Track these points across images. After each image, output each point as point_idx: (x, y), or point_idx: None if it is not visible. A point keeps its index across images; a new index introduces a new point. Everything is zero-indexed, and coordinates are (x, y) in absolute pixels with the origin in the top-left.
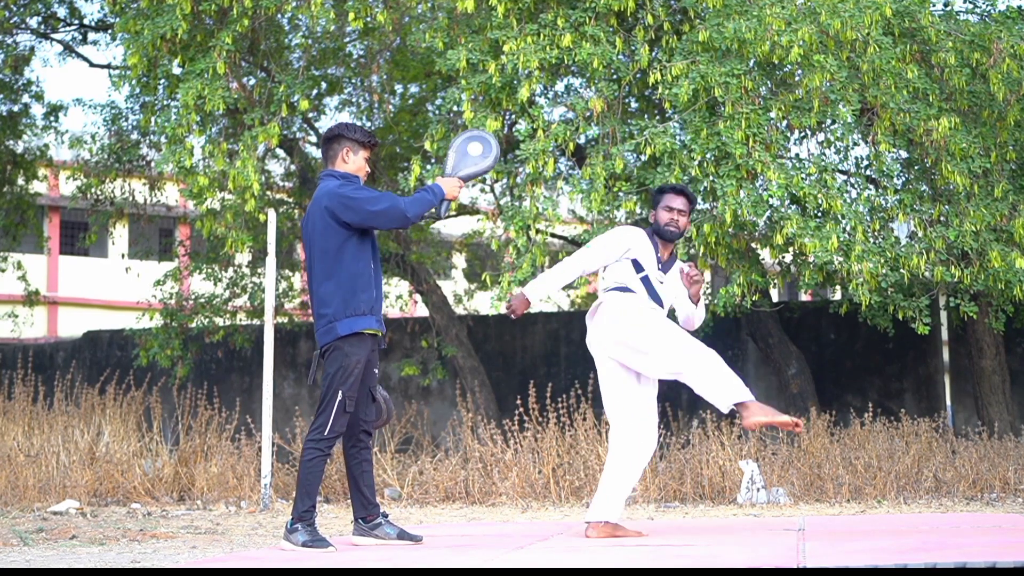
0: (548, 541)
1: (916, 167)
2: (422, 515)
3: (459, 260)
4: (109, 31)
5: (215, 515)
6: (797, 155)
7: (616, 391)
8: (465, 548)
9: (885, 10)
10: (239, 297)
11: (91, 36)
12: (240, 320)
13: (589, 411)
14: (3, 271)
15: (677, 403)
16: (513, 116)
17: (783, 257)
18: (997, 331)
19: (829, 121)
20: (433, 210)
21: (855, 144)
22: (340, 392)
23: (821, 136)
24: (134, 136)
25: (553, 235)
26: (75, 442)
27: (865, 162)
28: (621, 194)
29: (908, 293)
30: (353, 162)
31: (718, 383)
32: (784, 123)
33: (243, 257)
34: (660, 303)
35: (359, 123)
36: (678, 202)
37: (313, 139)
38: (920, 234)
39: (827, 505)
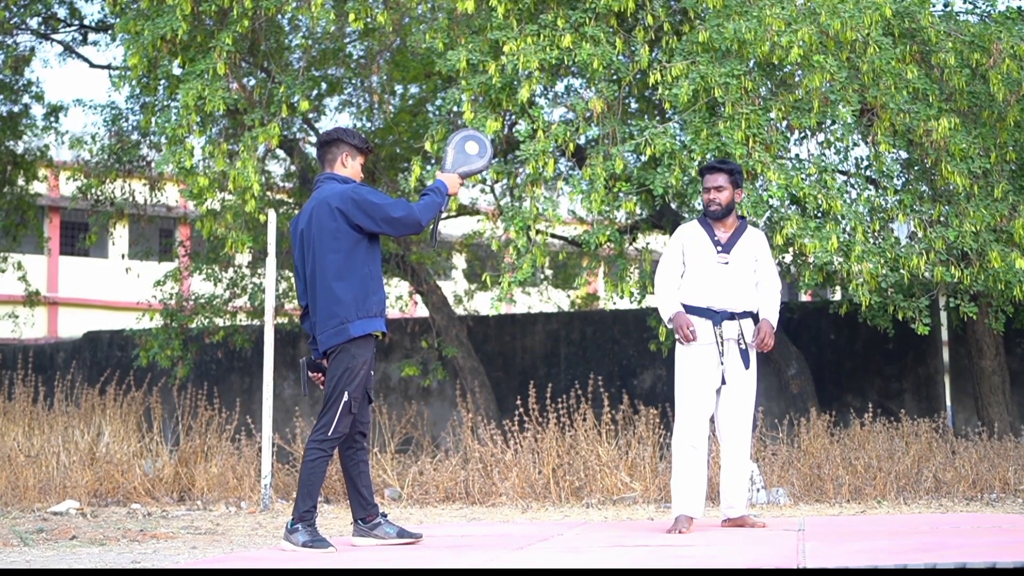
0: (548, 541)
1: (916, 167)
2: (422, 515)
3: (459, 260)
4: (109, 32)
5: (215, 515)
6: (797, 155)
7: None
8: (465, 548)
9: (885, 11)
10: (239, 297)
11: (91, 37)
12: (240, 320)
13: (589, 411)
14: (3, 271)
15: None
16: (513, 117)
17: (783, 257)
18: (997, 331)
19: (829, 122)
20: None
21: (855, 145)
22: (346, 393)
23: (821, 137)
24: (134, 137)
25: (553, 235)
26: (75, 442)
27: (865, 163)
28: (621, 194)
29: (908, 293)
30: (351, 167)
31: (678, 482)
32: (784, 124)
33: (243, 258)
34: (722, 286)
35: (357, 126)
36: (713, 180)
37: (313, 140)
38: (920, 234)
39: (827, 505)
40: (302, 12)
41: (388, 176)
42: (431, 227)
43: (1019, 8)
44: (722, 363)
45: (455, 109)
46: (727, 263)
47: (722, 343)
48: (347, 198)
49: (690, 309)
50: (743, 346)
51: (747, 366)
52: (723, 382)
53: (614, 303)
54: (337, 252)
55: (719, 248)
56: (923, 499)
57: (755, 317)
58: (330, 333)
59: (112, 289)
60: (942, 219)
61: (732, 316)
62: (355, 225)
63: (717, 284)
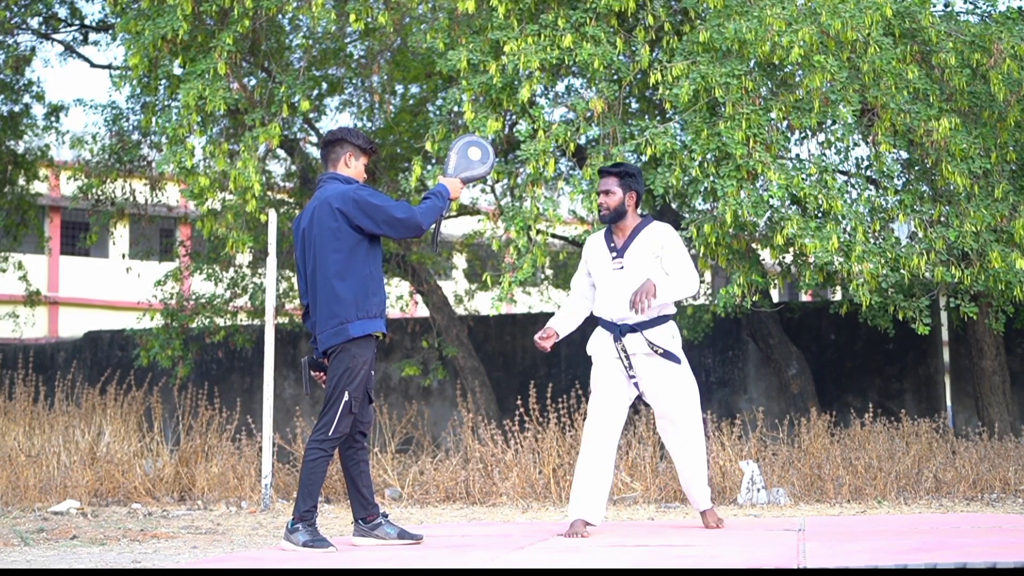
0: (548, 541)
1: (916, 168)
2: (423, 515)
3: (460, 260)
4: (110, 31)
5: (216, 515)
6: (797, 156)
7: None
8: (465, 548)
9: (886, 11)
10: (240, 297)
11: (92, 36)
12: (241, 320)
13: None
14: (4, 271)
15: None
16: (514, 116)
17: (783, 257)
18: (997, 332)
19: (829, 122)
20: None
21: (855, 145)
22: (346, 393)
23: (821, 137)
24: (135, 136)
25: (554, 235)
26: (76, 442)
27: (865, 163)
28: None
29: (908, 294)
30: (354, 167)
31: (576, 487)
32: (784, 124)
33: (244, 257)
34: (619, 293)
35: (358, 125)
36: (602, 184)
37: (314, 139)
38: (920, 235)
39: (827, 505)
40: (303, 12)
41: (389, 176)
42: (432, 230)
43: (1020, 8)
44: (632, 376)
45: (456, 109)
46: (621, 267)
47: (627, 356)
48: (348, 199)
49: (600, 322)
50: (660, 351)
51: (667, 371)
52: (641, 395)
53: None
54: (338, 252)
55: (614, 254)
56: (923, 499)
57: (666, 319)
58: (330, 333)
59: (113, 289)
60: (942, 219)
61: (633, 329)
62: (356, 226)
63: (614, 292)
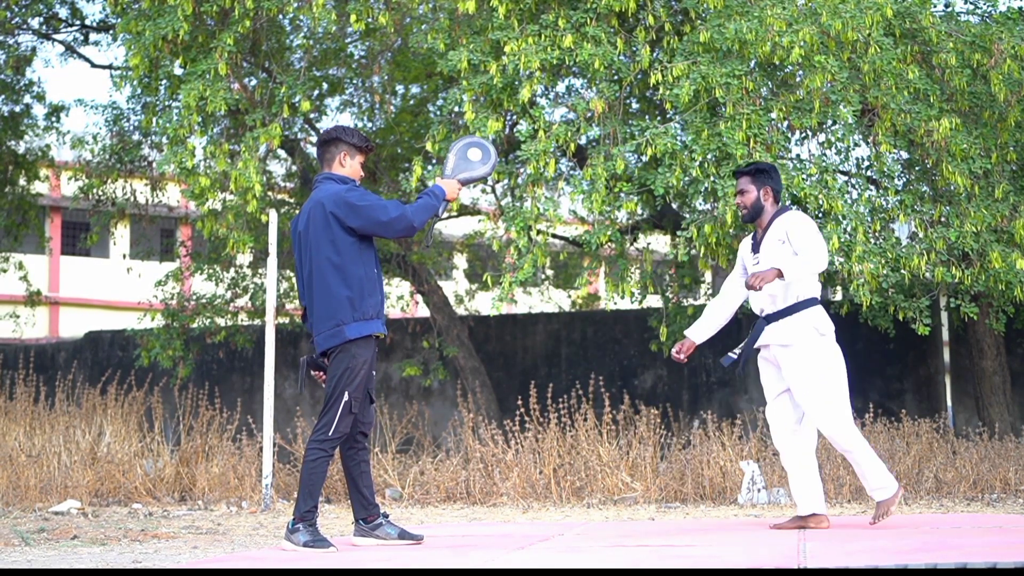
0: (549, 541)
1: (917, 168)
2: (423, 515)
3: (460, 261)
4: (111, 32)
5: (216, 515)
6: (798, 156)
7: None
8: (466, 548)
9: (886, 11)
10: (240, 297)
11: (93, 37)
12: (241, 320)
13: (590, 412)
14: (5, 271)
15: (678, 404)
16: (514, 117)
17: None
18: (998, 332)
19: (830, 122)
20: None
21: (856, 145)
22: (346, 393)
23: (822, 137)
24: (135, 137)
25: (554, 236)
26: (76, 442)
27: (866, 163)
28: (622, 195)
29: (909, 294)
30: (350, 166)
31: (879, 473)
32: (785, 124)
33: (244, 258)
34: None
35: (358, 126)
36: (738, 184)
37: (314, 140)
38: (921, 235)
39: (828, 505)
40: (303, 12)
41: (389, 176)
42: (426, 229)
43: (1020, 8)
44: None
45: (456, 109)
46: (757, 263)
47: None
48: (340, 201)
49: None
50: (783, 344)
51: (792, 362)
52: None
53: (615, 303)
54: (333, 254)
55: (754, 251)
56: (924, 499)
57: (803, 307)
58: (327, 335)
59: (113, 289)
60: (943, 219)
61: (768, 319)
62: (348, 227)
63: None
